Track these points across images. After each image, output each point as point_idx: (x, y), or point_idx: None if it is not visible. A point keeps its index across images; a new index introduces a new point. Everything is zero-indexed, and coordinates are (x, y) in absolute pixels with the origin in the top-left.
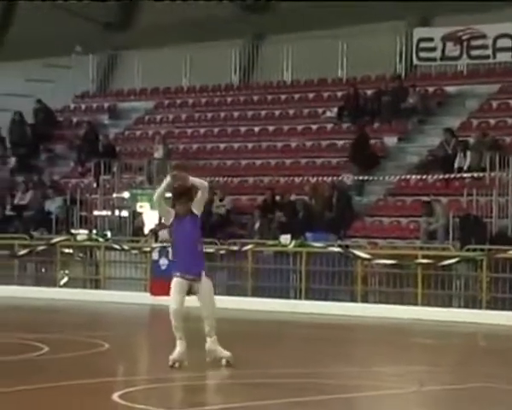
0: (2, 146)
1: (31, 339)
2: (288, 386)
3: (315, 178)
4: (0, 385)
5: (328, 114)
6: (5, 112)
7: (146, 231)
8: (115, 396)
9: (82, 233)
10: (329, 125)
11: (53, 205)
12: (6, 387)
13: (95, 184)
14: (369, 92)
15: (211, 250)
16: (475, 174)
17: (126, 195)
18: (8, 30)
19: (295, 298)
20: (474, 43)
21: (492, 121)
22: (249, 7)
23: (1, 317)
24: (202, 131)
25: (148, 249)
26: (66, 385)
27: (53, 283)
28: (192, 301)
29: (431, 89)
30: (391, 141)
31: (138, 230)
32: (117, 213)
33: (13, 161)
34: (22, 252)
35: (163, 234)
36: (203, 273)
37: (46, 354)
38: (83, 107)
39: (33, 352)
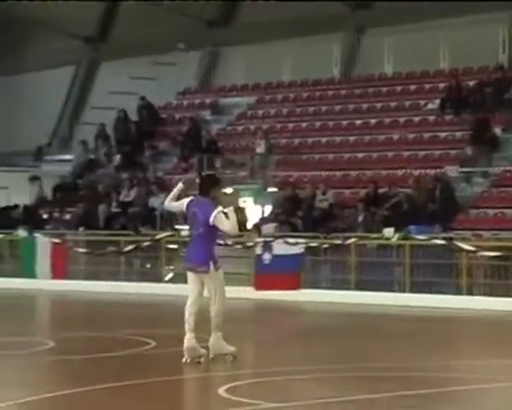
0: (107, 144)
1: (137, 334)
2: (394, 379)
3: (417, 171)
4: (108, 380)
5: (430, 106)
6: (110, 110)
7: (249, 225)
8: (221, 390)
9: (186, 229)
10: (432, 118)
11: (157, 201)
12: (114, 382)
13: (198, 180)
14: (471, 83)
15: (314, 244)
16: None
17: (229, 190)
18: (113, 29)
19: (399, 291)
20: None
21: None
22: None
23: (108, 312)
24: (304, 125)
25: (251, 244)
26: (173, 380)
27: (158, 278)
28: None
29: None
30: (495, 132)
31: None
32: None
33: (118, 158)
34: (128, 248)
35: (267, 228)
36: (211, 266)
37: (153, 349)
38: (185, 103)
39: (140, 347)
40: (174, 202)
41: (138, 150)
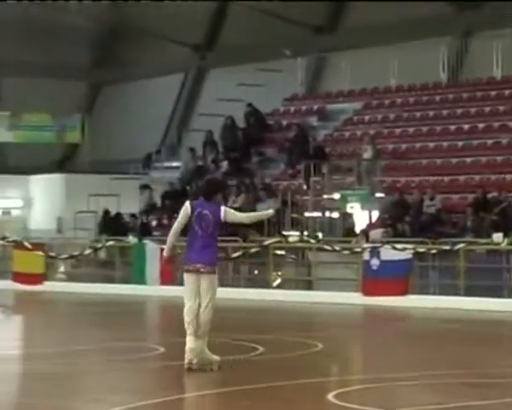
0: (214, 150)
1: (246, 340)
2: (502, 386)
3: None
4: (218, 385)
5: None
6: (217, 117)
7: (357, 231)
8: (330, 396)
9: (293, 235)
10: None
11: (264, 207)
12: (223, 387)
13: (305, 186)
14: None
15: (422, 250)
16: None
17: (336, 196)
18: (220, 36)
19: (508, 297)
20: None
21: None
22: (459, 4)
23: (216, 318)
24: (411, 130)
25: (359, 250)
26: (282, 385)
27: (266, 284)
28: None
29: None
30: None
31: (349, 230)
32: (327, 214)
33: (225, 164)
34: (236, 254)
35: (375, 234)
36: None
37: (262, 355)
38: (292, 109)
39: (249, 352)
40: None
41: (246, 157)
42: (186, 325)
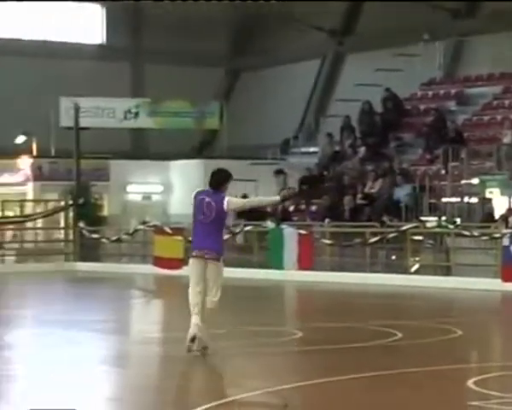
0: (352, 136)
1: (383, 325)
2: None
3: None
4: (357, 370)
5: None
6: (355, 102)
7: (496, 216)
8: (470, 383)
9: (431, 220)
10: None
11: (402, 192)
12: (362, 372)
13: (443, 171)
14: None
15: None
16: None
17: (475, 181)
18: (358, 21)
19: None
20: None
21: None
22: None
23: (354, 303)
24: None
25: (498, 235)
26: (420, 371)
27: (404, 270)
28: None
29: None
30: None
31: (488, 216)
32: (466, 199)
33: (363, 150)
34: (373, 240)
35: None
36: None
37: (399, 341)
38: (430, 94)
39: (386, 338)
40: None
41: (383, 142)
42: (192, 307)
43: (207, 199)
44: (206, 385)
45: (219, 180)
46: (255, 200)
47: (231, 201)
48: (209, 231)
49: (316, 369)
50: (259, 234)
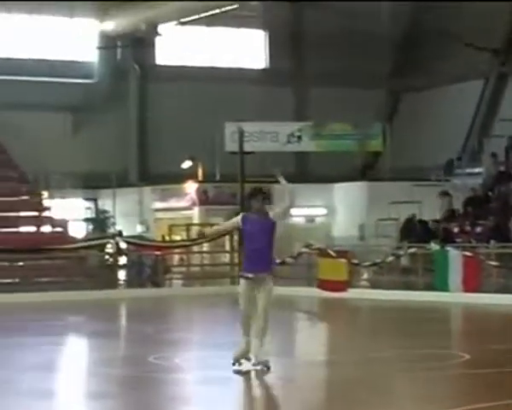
0: None
1: None
2: None
3: None
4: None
5: None
6: None
7: None
8: None
9: None
10: None
11: None
12: None
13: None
14: None
15: None
16: None
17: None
18: None
19: None
20: None
21: None
22: None
23: None
24: None
25: None
26: None
27: None
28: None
29: None
30: None
31: None
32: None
33: None
34: None
35: None
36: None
37: None
38: None
39: None
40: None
41: None
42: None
43: (255, 222)
44: (368, 408)
45: (247, 199)
46: (288, 197)
47: (274, 211)
48: (265, 251)
49: (481, 392)
50: (424, 256)
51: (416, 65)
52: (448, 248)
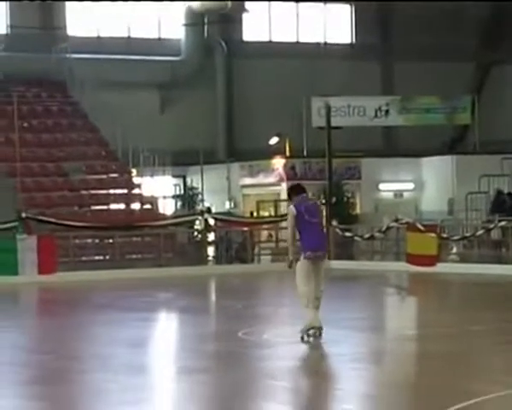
0: None
1: None
2: None
3: None
4: None
5: None
6: None
7: None
8: None
9: None
10: None
11: None
12: None
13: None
14: None
15: None
16: None
17: None
18: None
19: None
20: None
21: None
22: None
23: None
24: None
25: None
26: None
27: None
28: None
29: None
30: None
31: None
32: None
33: None
34: None
35: None
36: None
37: None
38: None
39: None
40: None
41: None
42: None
43: (306, 205)
44: (461, 383)
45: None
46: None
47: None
48: (320, 230)
49: None
50: None
51: (504, 38)
52: None
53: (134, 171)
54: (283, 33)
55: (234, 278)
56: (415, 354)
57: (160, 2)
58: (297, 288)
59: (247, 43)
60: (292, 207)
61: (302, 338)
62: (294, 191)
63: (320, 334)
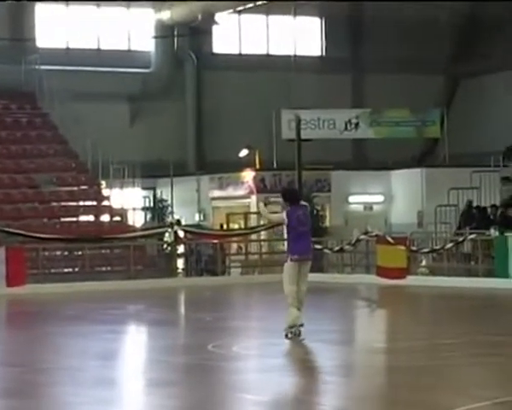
0: None
1: None
2: None
3: None
4: None
5: None
6: None
7: None
8: None
9: None
10: None
11: None
12: None
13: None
14: None
15: None
16: None
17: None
18: None
19: None
20: None
21: None
22: None
23: None
24: None
25: None
26: None
27: None
28: None
29: None
30: None
31: None
32: None
33: None
34: None
35: None
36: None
37: None
38: None
39: None
40: (271, 215)
41: None
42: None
43: (299, 212)
44: (429, 396)
45: (298, 196)
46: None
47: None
48: (308, 236)
49: None
50: (484, 242)
51: (474, 50)
52: (508, 234)
53: (103, 183)
54: (253, 46)
55: (204, 290)
56: (385, 368)
57: (130, 13)
58: (283, 287)
59: (217, 55)
60: (284, 214)
61: (286, 335)
62: (290, 198)
63: (300, 333)
